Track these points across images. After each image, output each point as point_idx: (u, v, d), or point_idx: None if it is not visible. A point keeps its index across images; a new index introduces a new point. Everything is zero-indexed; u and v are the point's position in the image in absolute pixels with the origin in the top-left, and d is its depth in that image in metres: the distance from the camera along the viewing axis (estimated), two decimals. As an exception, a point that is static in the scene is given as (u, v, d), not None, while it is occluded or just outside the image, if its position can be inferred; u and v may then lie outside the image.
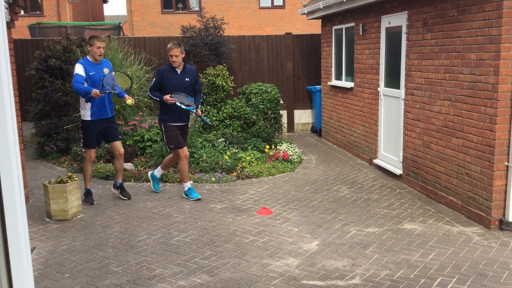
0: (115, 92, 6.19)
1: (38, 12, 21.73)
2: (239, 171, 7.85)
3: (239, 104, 10.09)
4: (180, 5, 21.91)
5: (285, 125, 11.98)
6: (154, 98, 6.48)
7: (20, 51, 10.78)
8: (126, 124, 9.33)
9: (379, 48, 7.88)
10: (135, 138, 8.96)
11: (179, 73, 6.39)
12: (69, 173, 6.12)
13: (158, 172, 6.90)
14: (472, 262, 4.52)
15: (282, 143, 9.26)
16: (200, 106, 6.60)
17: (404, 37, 7.03)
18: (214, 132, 9.69)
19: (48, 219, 5.88)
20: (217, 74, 10.66)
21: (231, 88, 10.85)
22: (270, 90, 10.29)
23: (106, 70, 6.32)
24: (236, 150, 8.53)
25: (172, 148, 6.52)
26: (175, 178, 7.49)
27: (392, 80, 7.55)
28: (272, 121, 10.21)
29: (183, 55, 6.37)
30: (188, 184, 6.68)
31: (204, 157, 8.03)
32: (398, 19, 7.22)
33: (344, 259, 4.64)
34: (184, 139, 6.63)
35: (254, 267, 4.50)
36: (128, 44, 11.06)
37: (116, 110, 9.51)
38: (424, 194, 6.62)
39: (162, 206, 6.32)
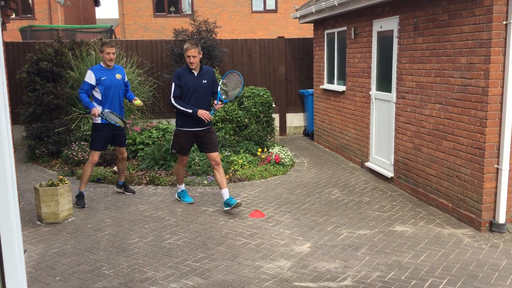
0: (117, 124, 6.40)
1: (29, 15, 21.63)
2: (231, 174, 7.85)
3: (232, 107, 10.10)
4: (172, 9, 21.91)
5: (278, 128, 12.01)
6: (182, 109, 5.95)
7: (11, 54, 10.73)
8: (118, 127, 9.29)
9: (371, 52, 7.94)
10: (127, 141, 8.93)
11: (196, 75, 6.02)
12: (60, 176, 6.09)
13: (179, 188, 6.63)
14: (463, 264, 4.55)
15: (274, 146, 9.28)
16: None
17: (395, 41, 7.08)
18: (206, 135, 9.68)
19: (39, 222, 5.84)
20: (210, 77, 10.65)
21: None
22: (263, 94, 10.32)
23: (118, 76, 6.53)
24: (229, 153, 8.54)
25: (174, 153, 6.36)
26: (166, 182, 7.48)
27: (384, 84, 7.60)
28: (264, 125, 10.23)
29: (201, 56, 6.01)
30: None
31: (196, 160, 8.03)
32: (390, 23, 7.27)
33: (336, 261, 4.65)
34: (208, 144, 6.13)
35: (246, 269, 4.50)
36: (120, 47, 11.05)
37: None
38: (415, 197, 6.66)
39: (154, 209, 6.31)
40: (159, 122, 9.93)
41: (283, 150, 8.88)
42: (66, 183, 5.96)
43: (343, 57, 9.28)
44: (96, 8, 34.86)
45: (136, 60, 10.79)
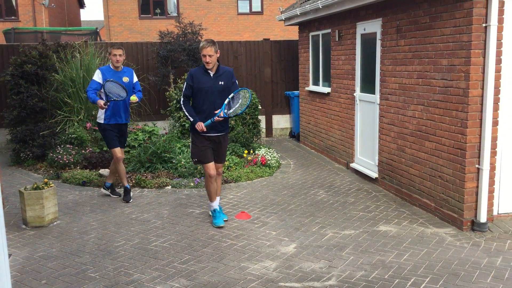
0: (121, 98, 6.27)
1: (13, 17, 21.42)
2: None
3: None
4: (158, 11, 21.88)
5: (264, 130, 12.06)
6: (187, 115, 5.57)
7: (-6, 57, 10.63)
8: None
9: (355, 54, 8.03)
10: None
11: (212, 75, 5.54)
12: (45, 180, 6.07)
13: (211, 206, 5.85)
14: (445, 262, 4.63)
15: (260, 148, 9.33)
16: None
17: (378, 43, 7.17)
18: (193, 137, 9.70)
19: (24, 226, 5.81)
20: (195, 79, 10.67)
21: (209, 94, 10.87)
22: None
23: (125, 79, 6.55)
24: (215, 155, 8.55)
25: (195, 162, 5.73)
26: (153, 184, 7.48)
27: (368, 86, 7.69)
28: (250, 126, 10.26)
29: (218, 55, 5.52)
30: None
31: (182, 162, 8.04)
32: (373, 26, 7.37)
33: (321, 261, 4.71)
34: (220, 153, 5.75)
35: (232, 270, 4.54)
36: (105, 49, 11.01)
37: (93, 116, 9.47)
38: (399, 197, 6.75)
39: (140, 212, 6.31)
40: (145, 125, 9.92)
41: (269, 152, 8.93)
42: (51, 187, 5.94)
43: (327, 59, 9.36)
44: (81, 10, 34.65)
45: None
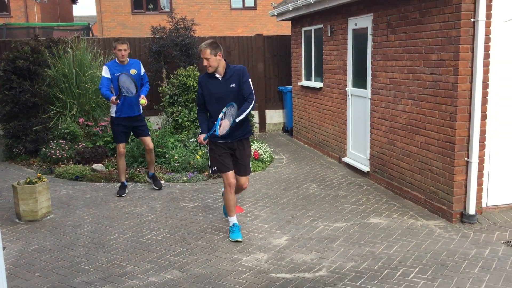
0: (130, 95, 6.37)
1: (5, 12, 21.30)
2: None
3: (211, 105, 10.15)
4: (150, 6, 21.82)
5: (257, 125, 12.12)
6: (200, 125, 5.20)
7: (-14, 52, 10.59)
8: (96, 125, 9.29)
9: (347, 49, 8.09)
10: (106, 139, 8.94)
11: (220, 79, 5.00)
12: (38, 174, 6.09)
13: (230, 222, 5.28)
14: (434, 253, 4.72)
15: (253, 142, 9.38)
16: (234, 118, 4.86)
17: (369, 38, 7.23)
18: (186, 132, 9.74)
19: (17, 220, 5.84)
20: (188, 74, 10.70)
21: (202, 89, 10.90)
22: (241, 91, 10.39)
23: (133, 71, 6.64)
24: (208, 150, 8.60)
25: (214, 171, 5.19)
26: (145, 178, 7.51)
27: (359, 80, 7.75)
28: (243, 121, 10.30)
29: (220, 57, 4.96)
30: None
31: (175, 157, 8.08)
32: (364, 21, 7.43)
33: (312, 252, 4.78)
34: (241, 162, 5.16)
35: (225, 262, 4.60)
36: (98, 45, 11.01)
37: (86, 111, 9.48)
38: (390, 190, 6.84)
39: (133, 206, 6.35)
40: (138, 120, 9.93)
41: (262, 146, 8.98)
42: (44, 181, 5.96)
43: (320, 54, 9.42)
44: (73, 6, 34.48)
45: (114, 57, 10.73)
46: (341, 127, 8.52)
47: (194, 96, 10.79)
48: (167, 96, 10.03)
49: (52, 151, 8.49)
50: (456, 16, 5.30)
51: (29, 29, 15.18)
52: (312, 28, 9.73)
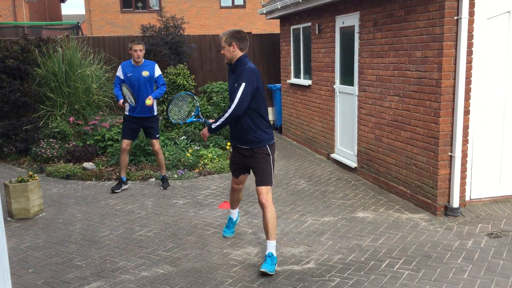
0: (131, 104, 6.61)
1: (-8, 11, 21.17)
2: (201, 168, 8.02)
3: (201, 103, 10.24)
4: (140, 4, 21.81)
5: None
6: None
7: (-25, 51, 10.56)
8: (86, 124, 9.34)
9: (334, 47, 8.21)
10: (96, 137, 8.99)
11: (233, 75, 4.54)
12: (30, 173, 6.14)
13: (232, 214, 5.24)
14: (418, 245, 4.85)
15: (243, 140, 9.46)
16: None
17: (356, 36, 7.36)
18: (176, 130, 9.82)
19: (9, 218, 5.89)
20: (178, 73, 10.78)
21: (192, 87, 10.98)
22: (231, 89, 10.48)
23: (145, 73, 6.76)
24: (198, 148, 8.69)
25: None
26: (137, 176, 7.58)
27: (347, 78, 7.88)
28: (233, 119, 10.39)
29: (233, 49, 4.43)
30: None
31: (166, 155, 8.15)
32: (351, 19, 7.55)
33: (301, 246, 4.90)
34: (256, 170, 4.54)
35: (215, 256, 4.70)
36: (87, 43, 11.04)
37: (76, 110, 9.52)
38: (377, 185, 6.97)
39: (124, 203, 6.43)
40: (128, 118, 9.97)
41: (252, 144, 9.07)
42: (36, 179, 6.02)
43: (308, 52, 9.53)
44: (62, 4, 34.29)
45: (104, 56, 10.79)
46: (329, 124, 8.64)
47: (184, 94, 10.85)
48: (157, 95, 10.08)
49: (43, 150, 8.53)
50: (440, 14, 5.44)
51: (18, 28, 15.13)
52: (301, 26, 9.84)
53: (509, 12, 5.56)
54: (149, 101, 6.60)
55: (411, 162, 6.13)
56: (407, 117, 6.16)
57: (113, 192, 6.85)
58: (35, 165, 8.51)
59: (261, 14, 11.41)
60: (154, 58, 11.09)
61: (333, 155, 8.42)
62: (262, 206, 4.45)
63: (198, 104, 5.14)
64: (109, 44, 11.44)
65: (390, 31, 6.42)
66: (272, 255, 4.37)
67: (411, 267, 4.38)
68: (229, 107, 4.36)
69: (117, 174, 7.73)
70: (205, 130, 4.62)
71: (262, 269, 4.24)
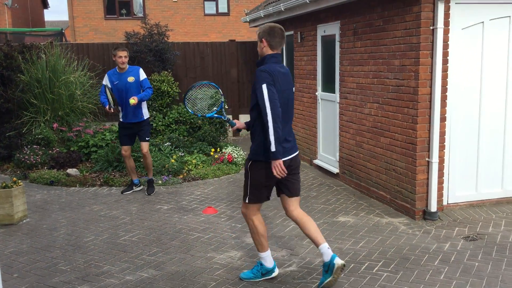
0: (113, 106, 6.73)
1: (-26, 17, 20.98)
2: (185, 174, 8.09)
3: (185, 109, 10.32)
4: (123, 11, 21.84)
5: (230, 129, 12.31)
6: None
7: (-43, 58, 10.50)
8: (70, 130, 9.35)
9: (316, 55, 8.37)
10: (80, 144, 9.00)
11: None
12: (14, 178, 6.16)
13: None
14: (397, 248, 5.00)
15: (227, 146, 9.58)
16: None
17: (337, 44, 7.53)
18: (161, 136, 9.88)
19: (-7, 225, 5.90)
20: (162, 80, 10.85)
21: (176, 94, 11.07)
22: (215, 95, 10.60)
23: (130, 79, 6.82)
24: (182, 154, 8.77)
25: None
26: (121, 182, 7.63)
27: (328, 85, 8.05)
28: (217, 126, 10.51)
29: (263, 45, 4.00)
30: (264, 255, 4.29)
31: (150, 161, 8.20)
32: (332, 28, 7.73)
33: (283, 250, 5.00)
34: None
35: (199, 260, 4.78)
36: (71, 50, 11.05)
37: (60, 116, 9.52)
38: (358, 190, 7.13)
39: (108, 209, 6.47)
40: (112, 125, 10.02)
41: (236, 150, 9.19)
42: (20, 185, 6.04)
43: (291, 59, 9.69)
44: (45, 11, 34.09)
45: (87, 63, 10.81)
46: (312, 130, 8.79)
47: (168, 101, 10.94)
48: (142, 101, 10.13)
49: (26, 157, 8.52)
50: (417, 24, 5.62)
51: (1, 34, 15.04)
52: (283, 34, 9.98)
53: (482, 22, 5.78)
54: (133, 100, 6.61)
55: (390, 167, 6.29)
56: (386, 124, 6.33)
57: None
58: (18, 172, 8.49)
59: (245, 22, 11.56)
60: (139, 65, 11.14)
61: (316, 161, 8.56)
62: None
63: (223, 99, 4.66)
64: (93, 51, 11.46)
65: (370, 40, 6.60)
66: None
67: (389, 269, 4.51)
68: (264, 117, 3.83)
69: (102, 180, 7.77)
70: (273, 162, 3.92)
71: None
